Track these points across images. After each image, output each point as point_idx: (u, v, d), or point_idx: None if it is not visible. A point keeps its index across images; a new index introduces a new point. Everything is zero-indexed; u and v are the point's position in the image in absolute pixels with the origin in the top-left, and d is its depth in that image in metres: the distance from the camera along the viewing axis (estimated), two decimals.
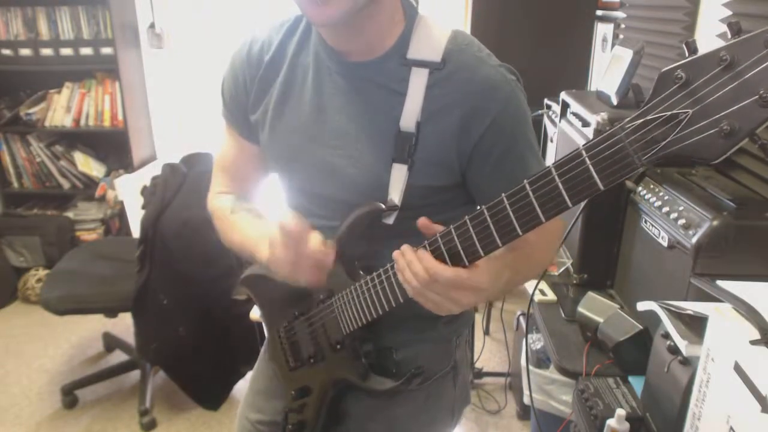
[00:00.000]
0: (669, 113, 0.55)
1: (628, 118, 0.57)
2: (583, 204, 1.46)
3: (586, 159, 0.60)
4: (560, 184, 0.62)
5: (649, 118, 0.56)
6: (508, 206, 0.67)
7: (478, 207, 0.74)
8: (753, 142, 0.53)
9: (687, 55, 0.55)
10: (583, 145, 0.60)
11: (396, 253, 0.79)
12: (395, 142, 0.88)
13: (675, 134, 0.55)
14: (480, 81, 0.86)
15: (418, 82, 0.87)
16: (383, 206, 0.89)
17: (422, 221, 0.79)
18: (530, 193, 0.65)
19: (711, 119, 0.53)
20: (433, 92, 0.87)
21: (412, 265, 0.76)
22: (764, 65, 0.50)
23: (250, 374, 2.51)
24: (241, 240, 1.01)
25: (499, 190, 0.70)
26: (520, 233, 0.68)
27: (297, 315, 1.02)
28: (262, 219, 1.02)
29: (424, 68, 0.87)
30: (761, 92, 0.50)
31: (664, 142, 0.55)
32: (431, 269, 0.74)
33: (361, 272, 0.92)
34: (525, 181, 0.66)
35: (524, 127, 0.90)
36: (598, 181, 0.60)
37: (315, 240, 0.85)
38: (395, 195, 0.90)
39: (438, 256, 0.77)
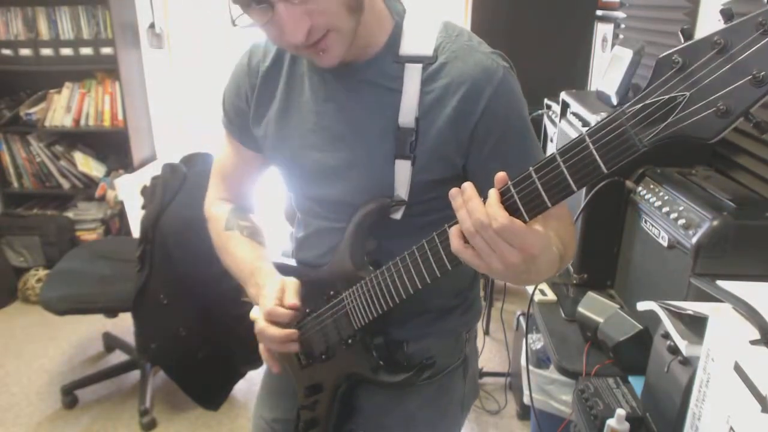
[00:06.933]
0: (668, 96, 0.57)
1: (629, 103, 0.59)
2: (583, 204, 1.46)
3: (590, 144, 0.61)
4: (565, 170, 0.63)
5: (648, 101, 0.58)
6: (515, 194, 0.68)
7: None
8: (747, 121, 0.55)
9: (683, 41, 0.57)
10: (586, 131, 0.62)
11: (454, 190, 0.70)
12: (395, 139, 0.89)
13: (674, 116, 0.57)
14: (471, 67, 0.86)
15: (412, 78, 0.88)
16: (390, 200, 0.90)
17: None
18: (536, 180, 0.66)
19: (707, 100, 0.55)
20: (428, 86, 0.88)
21: (470, 202, 0.68)
22: (756, 47, 0.52)
23: (250, 374, 2.53)
24: (229, 265, 1.07)
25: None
26: (527, 219, 0.68)
27: (307, 313, 1.03)
28: (254, 242, 1.06)
29: (418, 63, 0.88)
30: (754, 73, 0.52)
31: (663, 124, 0.57)
32: (490, 207, 0.67)
33: (371, 267, 0.93)
34: (530, 168, 0.66)
35: (518, 111, 0.90)
36: (601, 164, 0.61)
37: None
38: (402, 191, 0.91)
39: None
